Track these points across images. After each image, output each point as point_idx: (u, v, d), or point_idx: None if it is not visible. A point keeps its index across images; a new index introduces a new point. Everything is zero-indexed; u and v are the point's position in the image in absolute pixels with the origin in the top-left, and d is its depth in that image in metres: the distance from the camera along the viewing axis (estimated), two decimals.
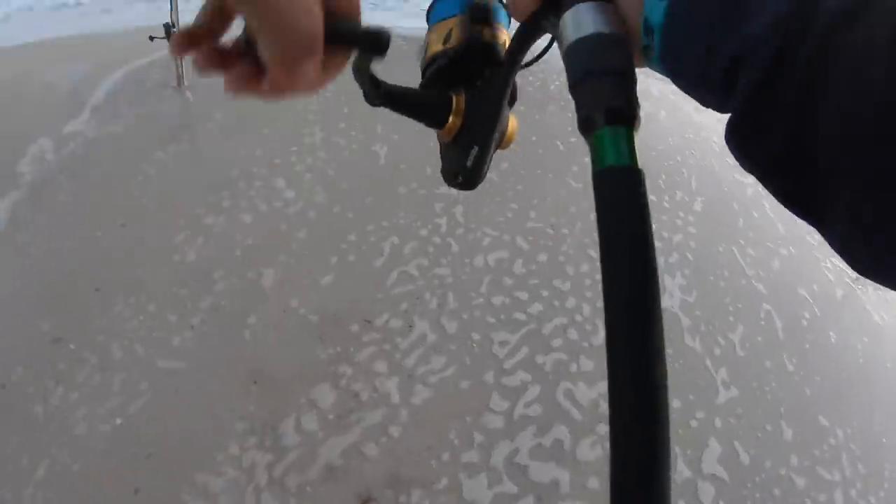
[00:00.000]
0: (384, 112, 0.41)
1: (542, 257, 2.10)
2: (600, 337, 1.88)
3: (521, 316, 1.85)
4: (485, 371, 1.68)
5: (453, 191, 2.45)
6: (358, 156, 2.45)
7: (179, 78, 2.79)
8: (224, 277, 1.82)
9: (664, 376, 0.25)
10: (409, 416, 1.54)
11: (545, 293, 1.96)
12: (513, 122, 0.42)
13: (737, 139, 0.30)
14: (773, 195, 0.31)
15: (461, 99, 0.39)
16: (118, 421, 1.43)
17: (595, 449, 1.56)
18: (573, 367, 1.75)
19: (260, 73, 0.34)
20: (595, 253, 2.23)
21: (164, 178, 2.21)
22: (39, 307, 1.68)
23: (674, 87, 0.35)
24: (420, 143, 2.56)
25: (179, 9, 2.61)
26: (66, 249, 1.88)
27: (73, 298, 1.72)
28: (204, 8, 0.35)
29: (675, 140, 3.00)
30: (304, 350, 1.65)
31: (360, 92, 0.40)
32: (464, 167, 0.40)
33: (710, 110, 0.34)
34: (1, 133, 2.39)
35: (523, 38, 0.37)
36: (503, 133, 0.41)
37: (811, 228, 0.30)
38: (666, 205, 2.52)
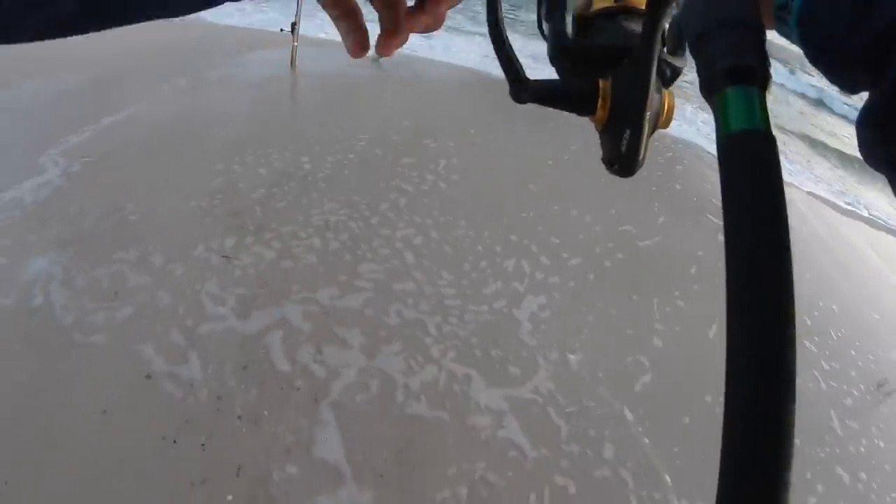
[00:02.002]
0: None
1: (447, 249, 2.59)
2: (452, 317, 2.31)
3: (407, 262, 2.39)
4: (338, 273, 2.26)
5: (409, 185, 3.06)
6: (383, 161, 3.16)
7: (293, 61, 3.88)
8: (223, 202, 2.66)
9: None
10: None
11: (433, 266, 2.45)
12: (669, 99, 0.40)
13: (880, 121, 0.25)
14: None
15: (607, 84, 0.38)
16: None
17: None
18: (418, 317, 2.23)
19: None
20: (513, 270, 2.64)
21: (239, 122, 3.20)
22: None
23: None
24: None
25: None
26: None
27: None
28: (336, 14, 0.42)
29: None
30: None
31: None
32: (618, 153, 0.38)
33: None
34: (166, 69, 3.64)
35: (657, 3, 0.34)
36: (657, 113, 0.39)
37: None
38: None
